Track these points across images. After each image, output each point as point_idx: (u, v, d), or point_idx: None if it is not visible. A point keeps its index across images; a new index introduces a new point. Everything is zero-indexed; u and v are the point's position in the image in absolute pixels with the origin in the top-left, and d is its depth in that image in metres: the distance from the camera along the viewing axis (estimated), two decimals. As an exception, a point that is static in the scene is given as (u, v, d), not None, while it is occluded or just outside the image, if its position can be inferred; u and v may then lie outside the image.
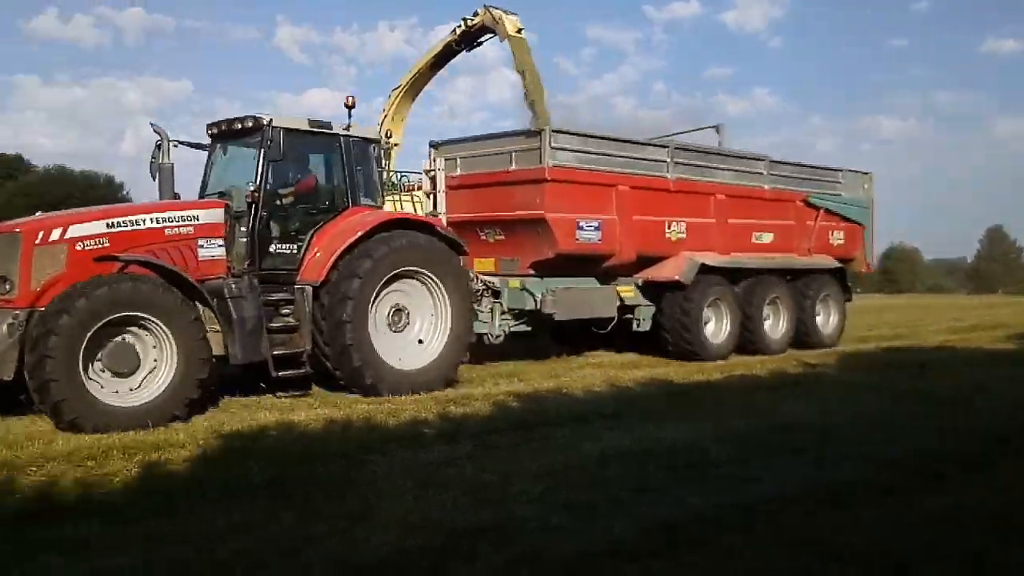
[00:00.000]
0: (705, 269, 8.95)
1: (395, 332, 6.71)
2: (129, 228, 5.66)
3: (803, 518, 3.44)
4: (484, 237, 8.69)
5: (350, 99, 6.77)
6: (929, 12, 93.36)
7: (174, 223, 5.88)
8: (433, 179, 8.36)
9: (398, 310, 6.73)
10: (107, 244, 5.50)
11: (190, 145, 6.89)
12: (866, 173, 11.55)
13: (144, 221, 5.75)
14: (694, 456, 4.49)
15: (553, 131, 8.12)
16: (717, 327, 9.27)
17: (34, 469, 4.12)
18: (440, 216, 8.15)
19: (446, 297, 6.82)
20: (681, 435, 5.06)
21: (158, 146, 6.54)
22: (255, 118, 6.32)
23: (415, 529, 3.20)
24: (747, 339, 9.51)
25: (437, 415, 5.66)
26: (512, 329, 8.41)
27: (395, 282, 6.63)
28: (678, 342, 8.97)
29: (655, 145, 9.27)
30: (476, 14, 9.89)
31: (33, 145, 60.46)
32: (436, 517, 3.35)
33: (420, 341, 6.81)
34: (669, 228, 8.98)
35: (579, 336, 9.46)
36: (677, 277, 8.76)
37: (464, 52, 10.46)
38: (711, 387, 7.29)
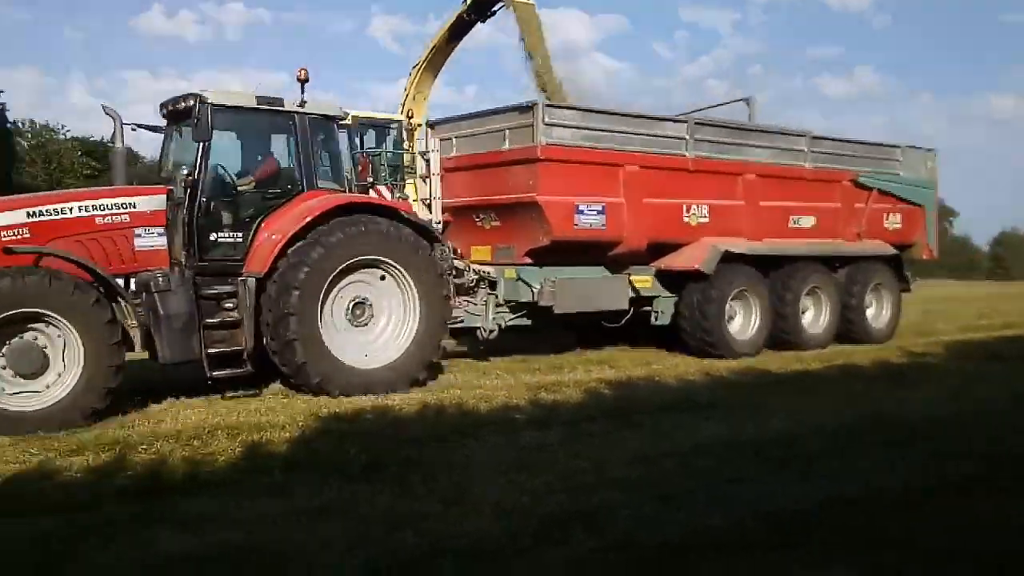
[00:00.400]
0: (729, 256, 9.83)
1: (357, 327, 7.40)
2: (53, 217, 6.28)
3: (895, 513, 4.15)
4: (480, 223, 9.54)
5: (302, 72, 7.40)
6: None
7: (106, 211, 6.54)
8: (429, 161, 9.22)
9: (359, 303, 7.37)
10: (28, 235, 6.14)
11: (146, 128, 7.52)
12: (929, 150, 12.67)
13: (71, 210, 6.39)
14: (789, 448, 5.40)
15: (547, 105, 8.85)
16: (745, 321, 10.25)
17: (144, 447, 5.30)
18: (435, 200, 8.98)
19: (413, 289, 7.45)
20: (776, 426, 6.10)
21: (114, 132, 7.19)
22: (195, 95, 6.86)
23: (508, 513, 4.03)
24: (781, 334, 10.49)
25: (528, 401, 6.92)
26: (510, 323, 9.28)
27: (354, 272, 7.28)
28: (697, 338, 9.85)
29: (672, 120, 10.04)
30: None
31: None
32: (528, 502, 4.20)
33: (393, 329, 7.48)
34: (688, 212, 9.87)
35: (592, 330, 10.39)
36: (697, 266, 9.62)
37: (480, 23, 11.65)
38: (809, 377, 8.59)
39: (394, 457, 5.04)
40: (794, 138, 11.05)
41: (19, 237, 6.10)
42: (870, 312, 11.62)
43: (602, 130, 9.22)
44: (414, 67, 12.13)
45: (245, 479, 4.65)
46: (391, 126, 9.76)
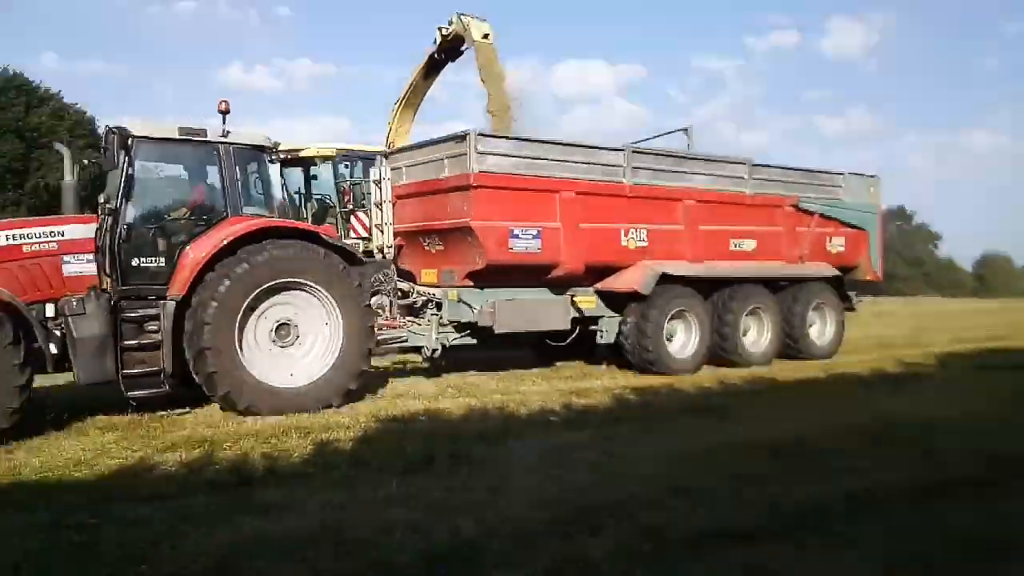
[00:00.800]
0: (667, 278, 12.08)
1: (284, 348, 9.27)
2: None
3: (906, 507, 5.47)
4: (427, 247, 11.69)
5: (223, 104, 9.29)
6: (1018, 33, 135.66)
7: (34, 239, 8.42)
8: (381, 189, 11.38)
9: (283, 324, 9.25)
10: None
11: (95, 162, 9.28)
12: (872, 176, 15.53)
13: None
14: (801, 447, 7.14)
15: (479, 135, 10.86)
16: (685, 339, 12.62)
17: (229, 444, 7.42)
18: (386, 226, 11.14)
19: (337, 310, 9.32)
20: (789, 428, 8.04)
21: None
22: (114, 128, 8.59)
23: (547, 503, 5.55)
24: (721, 352, 12.90)
25: (562, 405, 9.37)
26: (454, 342, 11.44)
27: (277, 294, 9.14)
28: (638, 355, 12.19)
29: (609, 149, 12.15)
30: (450, 23, 13.81)
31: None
32: (565, 494, 5.75)
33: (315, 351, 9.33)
34: (626, 236, 12.11)
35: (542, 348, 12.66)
36: (635, 287, 11.86)
37: (449, 62, 14.50)
38: (814, 384, 11.27)
39: (446, 453, 6.95)
40: (734, 165, 13.48)
41: None
42: (813, 330, 14.32)
43: (538, 158, 11.27)
44: (395, 103, 15.22)
45: (316, 473, 6.46)
46: (376, 157, 12.15)
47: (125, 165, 8.65)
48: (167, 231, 9.05)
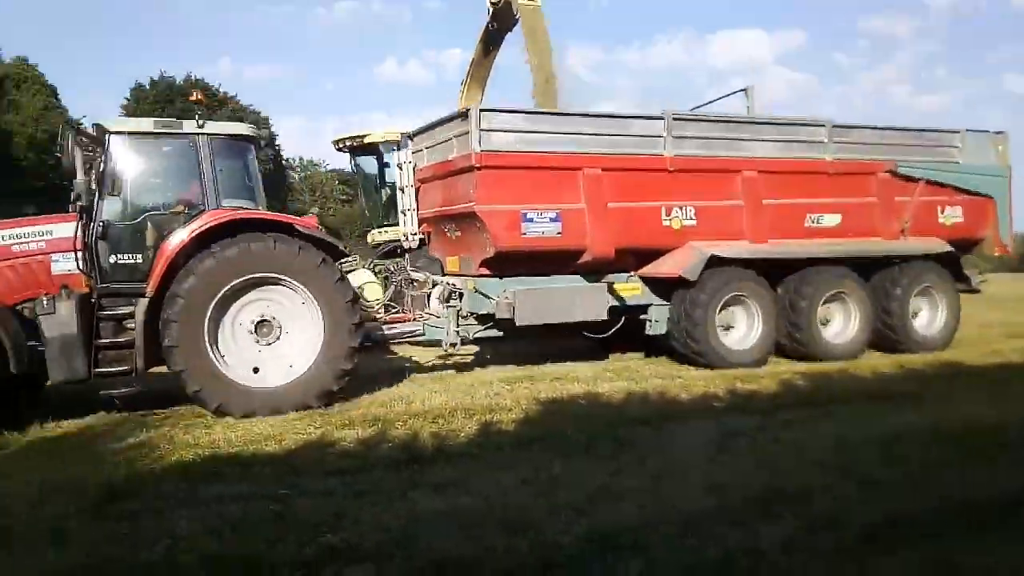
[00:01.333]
0: (719, 261, 13.32)
1: (266, 345, 10.98)
2: None
3: None
4: (448, 234, 13.05)
5: (197, 94, 10.84)
6: None
7: (23, 239, 10.69)
8: (404, 172, 12.73)
9: (264, 321, 10.92)
10: None
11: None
12: (999, 133, 16.40)
13: None
14: (988, 438, 7.99)
15: (483, 110, 12.10)
16: (746, 328, 13.95)
17: (400, 424, 9.49)
18: (410, 212, 12.85)
19: (316, 307, 10.90)
20: (978, 415, 9.03)
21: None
22: (97, 124, 10.71)
23: (714, 490, 6.55)
24: (793, 343, 14.12)
25: (726, 390, 11.10)
26: (477, 335, 13.01)
27: (253, 290, 10.82)
28: (685, 345, 13.55)
29: (643, 117, 13.38)
30: None
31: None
32: (732, 481, 6.78)
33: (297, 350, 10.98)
34: (668, 215, 13.36)
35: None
36: (679, 272, 13.13)
37: (508, 34, 16.36)
38: (1007, 369, 12.56)
39: (607, 437, 8.50)
40: (810, 128, 14.59)
41: None
42: (921, 319, 15.39)
43: (556, 132, 12.49)
44: (461, 83, 17.35)
45: (482, 453, 8.18)
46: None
47: (102, 161, 10.74)
48: (145, 227, 10.98)
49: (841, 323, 14.81)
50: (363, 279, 14.07)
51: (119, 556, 5.75)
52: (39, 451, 9.14)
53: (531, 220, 12.40)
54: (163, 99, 49.83)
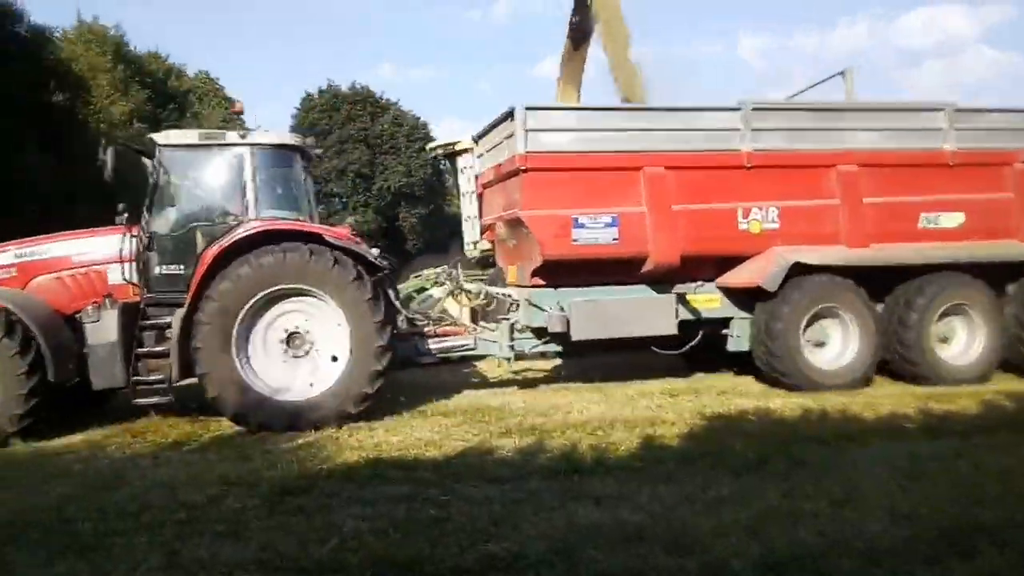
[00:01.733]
0: (805, 268, 12.72)
1: (296, 358, 11.44)
2: (35, 258, 11.83)
3: None
4: (506, 242, 12.85)
5: (237, 105, 11.28)
6: None
7: (81, 250, 11.87)
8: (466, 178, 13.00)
9: (295, 334, 11.42)
10: (15, 273, 11.80)
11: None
12: None
13: (50, 250, 11.95)
14: None
15: (528, 108, 11.78)
16: (843, 346, 13.19)
17: (558, 434, 10.05)
18: (472, 219, 12.77)
19: (345, 322, 11.31)
20: None
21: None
22: (150, 138, 12.13)
23: (904, 519, 6.47)
24: (903, 363, 13.26)
25: (917, 410, 10.90)
26: (534, 350, 12.67)
27: (287, 300, 11.25)
28: (766, 363, 13.05)
29: (716, 109, 13.01)
30: None
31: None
32: (926, 510, 6.65)
33: (335, 359, 11.41)
34: (746, 217, 12.76)
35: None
36: (757, 282, 12.68)
37: (595, 24, 15.99)
38: None
39: (781, 456, 8.47)
40: (926, 114, 13.81)
41: (9, 276, 11.73)
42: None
43: (613, 129, 12.16)
44: (557, 80, 17.21)
45: (643, 467, 8.40)
46: None
47: (152, 174, 11.61)
48: (192, 237, 11.78)
49: (963, 341, 13.75)
50: (444, 292, 14.06)
51: (290, 553, 6.30)
52: (218, 447, 10.19)
53: (583, 226, 12.04)
54: (329, 107, 57.68)
